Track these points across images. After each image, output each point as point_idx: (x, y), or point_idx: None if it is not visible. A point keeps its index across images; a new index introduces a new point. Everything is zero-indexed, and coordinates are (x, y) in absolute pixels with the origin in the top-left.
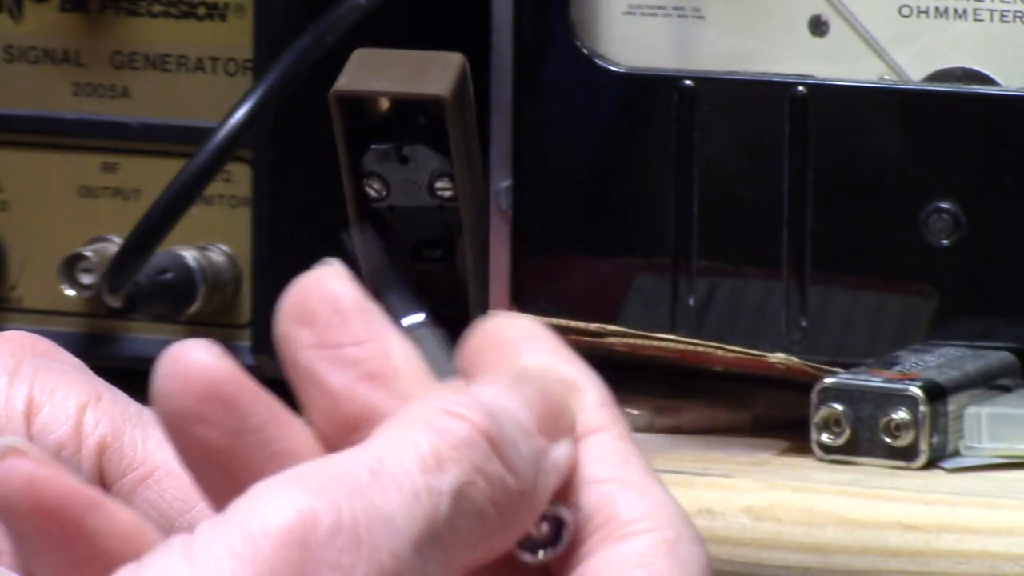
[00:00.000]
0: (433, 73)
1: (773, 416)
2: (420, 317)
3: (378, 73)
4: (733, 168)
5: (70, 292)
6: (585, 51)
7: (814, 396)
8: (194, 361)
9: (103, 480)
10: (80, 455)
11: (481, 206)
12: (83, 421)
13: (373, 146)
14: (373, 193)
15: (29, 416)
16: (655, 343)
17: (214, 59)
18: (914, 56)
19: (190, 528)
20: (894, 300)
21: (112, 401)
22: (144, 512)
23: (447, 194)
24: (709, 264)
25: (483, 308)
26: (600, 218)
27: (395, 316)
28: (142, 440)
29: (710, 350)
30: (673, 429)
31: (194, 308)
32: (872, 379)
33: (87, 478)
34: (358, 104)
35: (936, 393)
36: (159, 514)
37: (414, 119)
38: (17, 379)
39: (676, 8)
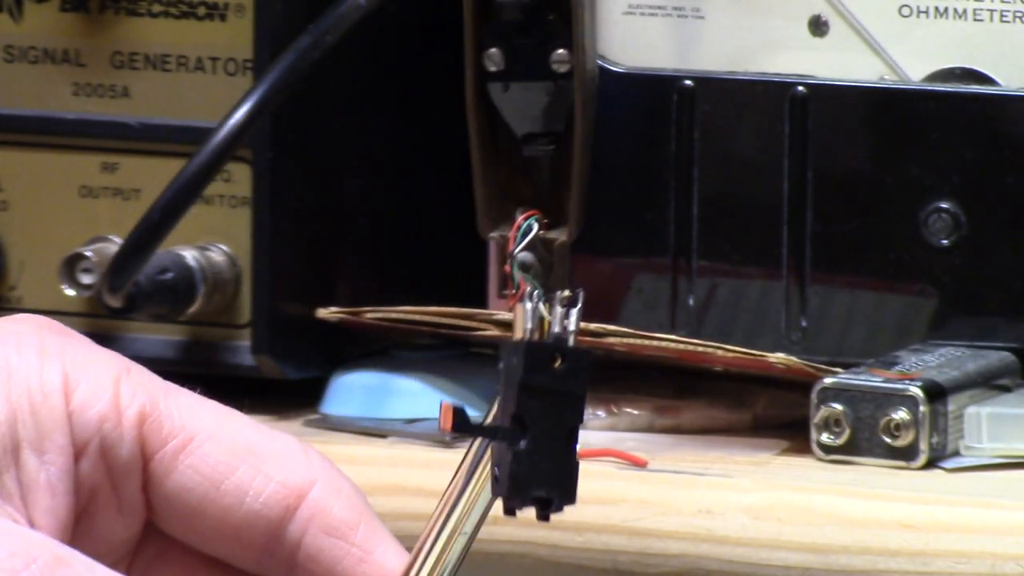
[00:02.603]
0: None
1: (773, 416)
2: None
3: None
4: (733, 168)
5: (70, 292)
6: None
7: (814, 396)
8: None
9: (145, 450)
10: (122, 427)
11: (593, 84)
12: (120, 393)
13: (497, 20)
14: (492, 67)
15: (67, 392)
16: (655, 343)
17: (214, 59)
18: (914, 56)
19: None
20: (894, 300)
21: (140, 372)
22: (189, 478)
23: (563, 69)
24: (709, 264)
25: (582, 203)
26: (600, 218)
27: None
28: (177, 408)
29: (710, 350)
30: (673, 429)
31: (194, 308)
32: (872, 379)
33: (129, 450)
34: None
35: (936, 393)
36: (204, 478)
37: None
38: (47, 355)
39: (676, 8)
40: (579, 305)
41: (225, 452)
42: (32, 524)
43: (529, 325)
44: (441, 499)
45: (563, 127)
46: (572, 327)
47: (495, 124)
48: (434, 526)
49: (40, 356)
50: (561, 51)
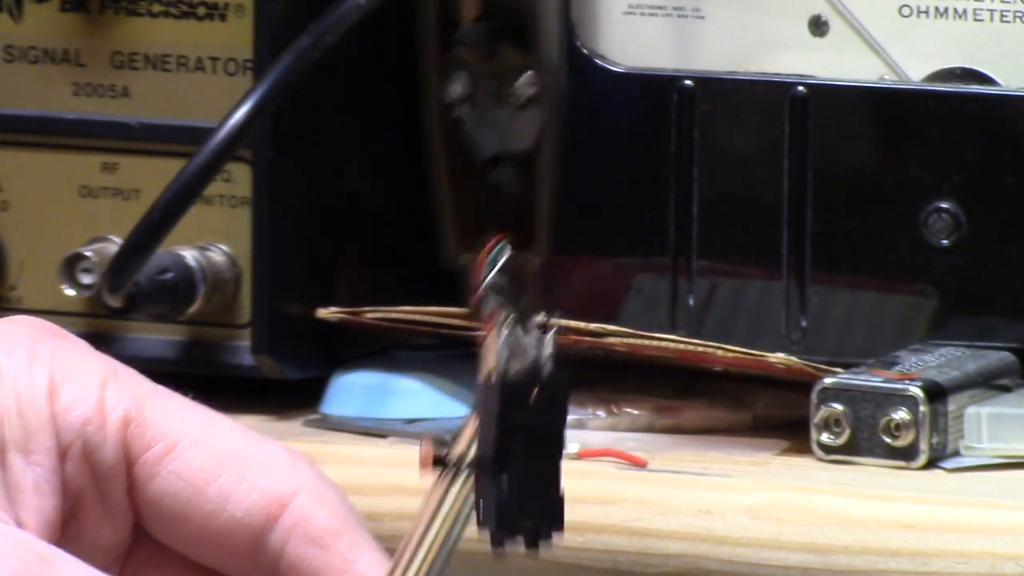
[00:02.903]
0: None
1: (773, 416)
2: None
3: None
4: (733, 168)
5: (70, 292)
6: (585, 51)
7: (814, 396)
8: None
9: (128, 454)
10: (105, 430)
11: (560, 107)
12: (105, 397)
13: (458, 41)
14: (455, 94)
15: (52, 394)
16: (655, 343)
17: (214, 59)
18: (914, 56)
19: (219, 495)
20: (894, 300)
21: (129, 376)
22: (172, 483)
23: (529, 93)
24: (709, 264)
25: (552, 224)
26: (600, 218)
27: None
28: (164, 413)
29: (710, 350)
30: (673, 429)
31: (194, 308)
32: (872, 379)
33: (112, 453)
34: (445, 5)
35: (936, 393)
36: (186, 484)
37: (501, 20)
38: (36, 358)
39: (676, 8)
40: (553, 330)
41: (209, 458)
42: (19, 524)
43: (505, 355)
44: (417, 523)
45: (530, 150)
46: (547, 352)
47: (459, 148)
48: (410, 544)
49: (30, 358)
50: (527, 75)
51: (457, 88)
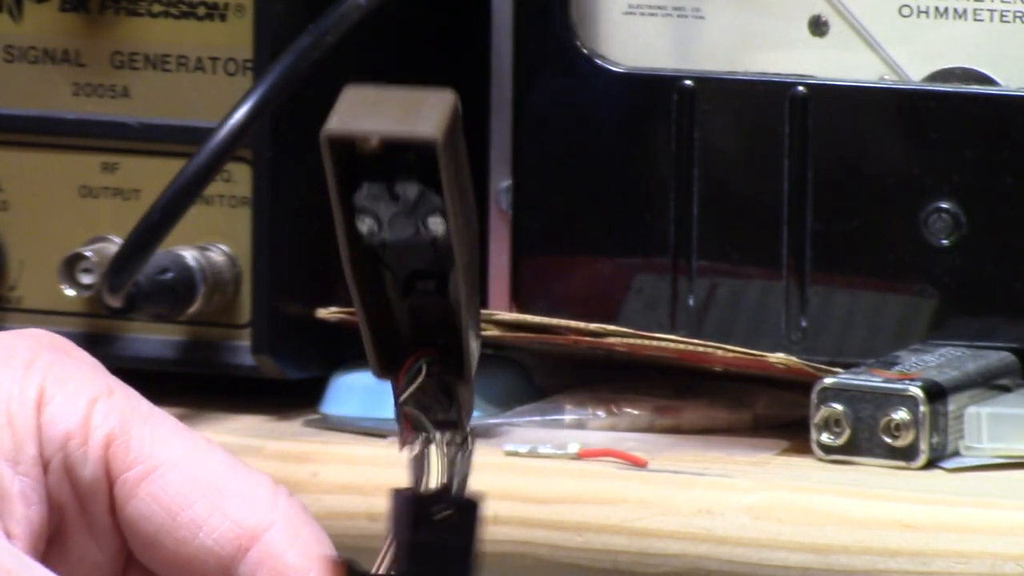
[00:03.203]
0: (425, 112)
1: (773, 416)
2: None
3: (369, 113)
4: (733, 168)
5: (70, 292)
6: (585, 51)
7: (814, 396)
8: None
9: (109, 472)
10: (87, 447)
11: (473, 239)
12: (92, 414)
13: (365, 183)
14: (365, 229)
15: (39, 406)
16: (655, 343)
17: (214, 59)
18: (914, 56)
19: (192, 523)
20: (894, 300)
21: (124, 397)
22: (147, 505)
23: (439, 230)
24: (709, 264)
25: (476, 338)
26: (600, 218)
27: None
28: (150, 436)
29: (710, 350)
30: (673, 429)
31: (194, 308)
32: (872, 379)
33: (93, 471)
34: (349, 142)
35: (936, 393)
36: (161, 508)
37: (406, 156)
38: (31, 371)
39: (676, 8)
40: (470, 449)
41: (187, 484)
42: (7, 532)
43: (417, 475)
44: None
45: (449, 271)
46: (464, 472)
47: (374, 270)
48: None
49: (25, 369)
50: (436, 216)
51: (364, 227)
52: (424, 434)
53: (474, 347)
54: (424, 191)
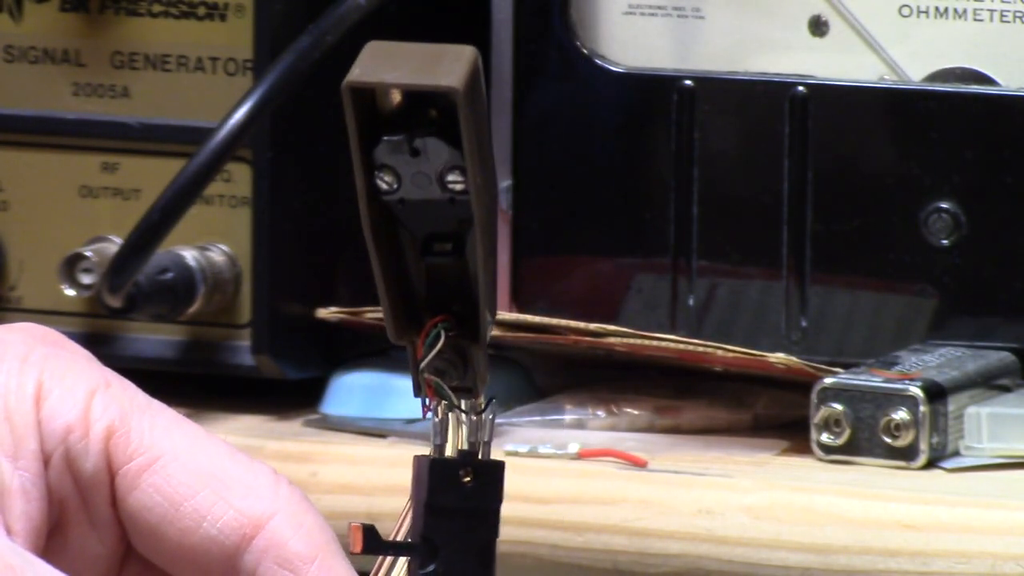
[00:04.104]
0: (446, 65)
1: (773, 416)
2: None
3: (391, 65)
4: (733, 168)
5: (70, 292)
6: (585, 51)
7: (814, 396)
8: None
9: (110, 464)
10: (88, 439)
11: (492, 199)
12: (91, 406)
13: (385, 138)
14: (384, 186)
15: (38, 400)
16: (655, 343)
17: (214, 59)
18: (914, 56)
19: (195, 512)
20: (894, 300)
21: (121, 389)
22: (150, 497)
23: (458, 187)
24: (709, 264)
25: (492, 303)
26: (600, 218)
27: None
28: (150, 427)
29: (710, 350)
30: (673, 429)
31: (194, 308)
32: (872, 379)
33: (94, 463)
34: (370, 96)
35: (936, 393)
36: (164, 499)
37: (426, 111)
38: (27, 365)
39: (676, 8)
40: (492, 414)
41: (189, 475)
42: (8, 528)
43: (438, 440)
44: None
45: (466, 233)
46: (486, 437)
47: (392, 232)
48: None
49: (21, 364)
50: (454, 173)
51: (384, 184)
52: (447, 399)
53: (489, 311)
54: (444, 147)
